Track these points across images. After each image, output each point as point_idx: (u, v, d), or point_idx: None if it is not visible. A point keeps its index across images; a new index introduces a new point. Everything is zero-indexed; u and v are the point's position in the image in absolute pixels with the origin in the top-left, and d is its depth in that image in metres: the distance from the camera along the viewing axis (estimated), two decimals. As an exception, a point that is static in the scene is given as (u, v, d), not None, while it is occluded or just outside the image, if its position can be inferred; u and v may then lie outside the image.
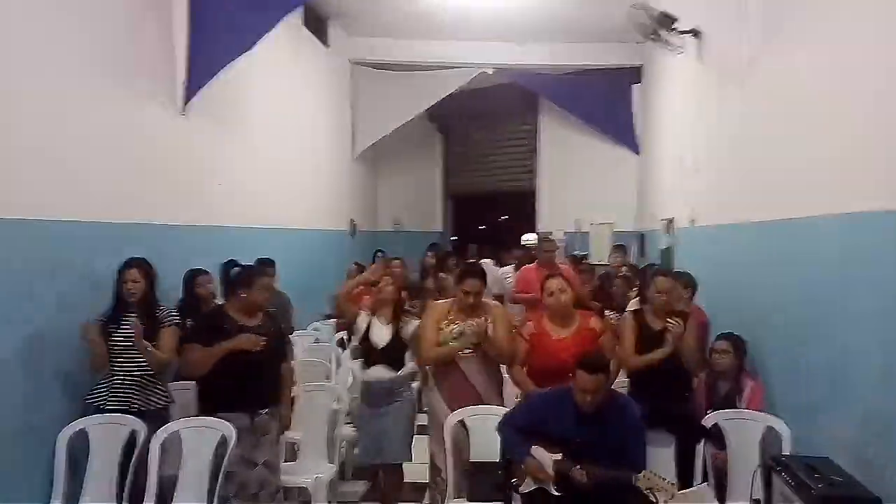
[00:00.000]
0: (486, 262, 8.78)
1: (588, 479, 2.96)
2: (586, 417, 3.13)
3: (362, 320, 4.10)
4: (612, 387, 3.34)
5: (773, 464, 2.66)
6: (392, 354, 3.98)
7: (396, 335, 4.00)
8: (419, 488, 4.40)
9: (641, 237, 9.46)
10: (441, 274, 8.59)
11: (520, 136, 11.46)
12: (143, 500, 3.32)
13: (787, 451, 3.36)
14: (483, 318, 3.65)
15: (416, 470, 4.29)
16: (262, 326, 3.66)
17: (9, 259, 3.25)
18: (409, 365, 4.03)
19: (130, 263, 3.68)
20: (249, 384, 3.54)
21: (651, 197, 8.96)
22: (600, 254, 9.81)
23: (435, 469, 3.83)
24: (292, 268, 6.49)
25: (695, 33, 5.96)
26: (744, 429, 3.52)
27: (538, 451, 3.16)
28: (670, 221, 7.24)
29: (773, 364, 3.87)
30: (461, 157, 12.15)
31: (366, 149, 10.02)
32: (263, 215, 6.42)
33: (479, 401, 3.68)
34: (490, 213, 12.33)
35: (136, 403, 3.57)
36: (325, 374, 5.14)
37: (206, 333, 3.54)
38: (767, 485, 2.73)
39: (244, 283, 3.69)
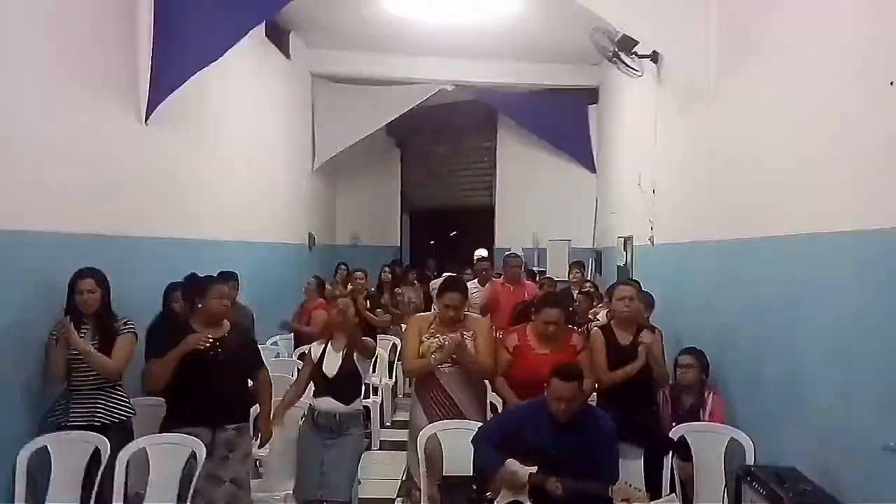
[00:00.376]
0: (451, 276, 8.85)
1: (563, 492, 3.01)
2: (561, 429, 3.18)
3: (315, 349, 3.83)
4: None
5: (742, 474, 2.75)
6: (342, 385, 3.67)
7: (348, 364, 3.69)
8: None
9: (598, 254, 9.65)
10: (397, 289, 8.66)
11: (479, 152, 11.58)
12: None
13: (750, 462, 3.47)
14: (460, 333, 3.68)
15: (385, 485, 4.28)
16: (228, 338, 3.60)
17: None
18: (358, 400, 3.76)
19: (84, 273, 3.55)
20: (211, 399, 3.48)
21: (608, 215, 9.16)
22: (557, 270, 9.96)
23: (412, 482, 3.82)
24: (251, 281, 6.39)
25: (653, 58, 6.19)
26: (708, 441, 3.63)
27: (512, 464, 3.18)
28: (628, 239, 7.42)
29: (734, 378, 4.01)
30: (419, 171, 12.19)
31: (324, 162, 9.98)
32: (223, 227, 6.32)
33: (459, 414, 3.70)
34: (448, 229, 12.38)
35: (98, 416, 3.46)
36: (286, 388, 5.07)
37: (168, 347, 3.47)
38: (737, 495, 2.81)
39: (199, 293, 3.65)
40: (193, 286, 3.75)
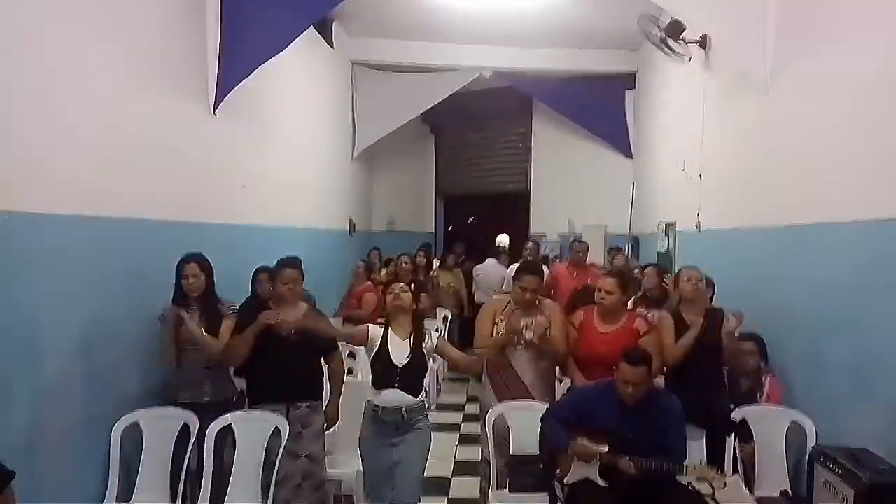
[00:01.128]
0: (491, 261, 8.98)
1: (636, 470, 3.13)
2: (630, 410, 3.29)
3: (375, 331, 3.55)
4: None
5: (815, 454, 2.84)
6: (412, 375, 3.47)
7: (417, 352, 3.49)
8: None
9: (635, 240, 9.69)
10: (432, 273, 8.80)
11: (513, 138, 11.63)
12: (197, 492, 3.41)
13: (811, 444, 3.57)
14: (542, 317, 3.80)
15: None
16: (303, 319, 3.75)
17: (61, 252, 3.29)
18: (423, 391, 3.58)
19: (188, 259, 3.77)
20: (285, 377, 3.65)
21: (647, 200, 9.19)
22: (593, 255, 10.01)
23: (484, 460, 3.96)
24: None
25: (702, 43, 6.20)
26: (770, 423, 3.73)
27: (582, 442, 3.31)
28: (670, 225, 7.47)
29: (793, 362, 4.08)
30: (453, 157, 12.28)
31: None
32: (275, 213, 6.48)
33: (528, 395, 3.83)
34: (482, 215, 12.45)
35: (206, 395, 3.67)
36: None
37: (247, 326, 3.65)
38: (809, 475, 2.90)
39: (273, 277, 3.89)
40: (272, 271, 3.95)
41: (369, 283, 7.14)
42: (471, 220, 12.54)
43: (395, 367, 3.45)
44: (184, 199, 4.49)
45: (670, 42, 6.32)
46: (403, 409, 3.44)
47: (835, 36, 3.80)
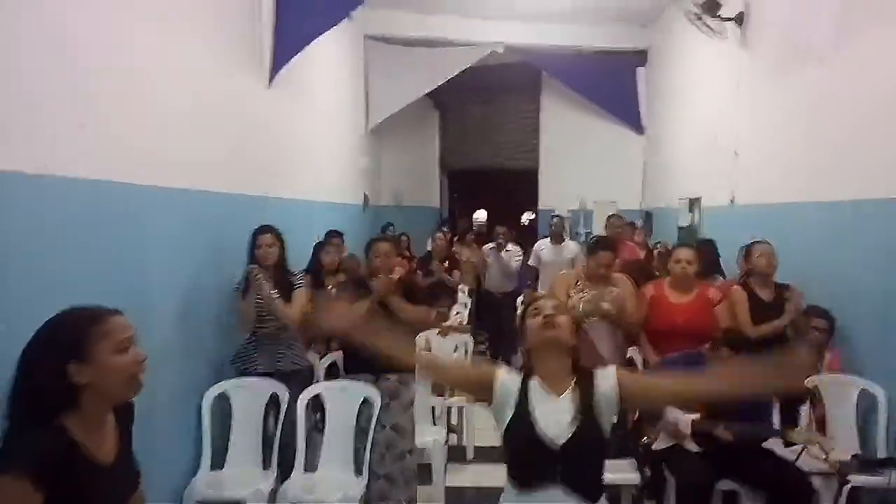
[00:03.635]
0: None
1: (733, 437, 3.22)
2: (721, 380, 3.37)
3: (505, 380, 2.12)
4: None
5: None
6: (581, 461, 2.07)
7: (587, 417, 2.05)
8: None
9: (647, 215, 9.81)
10: (454, 248, 8.82)
11: (522, 113, 11.63)
12: (290, 462, 3.43)
13: (882, 412, 3.71)
14: (618, 290, 3.86)
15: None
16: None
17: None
18: None
19: (264, 229, 3.77)
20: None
21: (662, 176, 9.29)
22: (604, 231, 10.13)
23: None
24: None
25: (738, 19, 6.26)
26: (841, 391, 3.85)
27: (673, 411, 3.39)
28: (694, 200, 7.57)
29: (854, 336, 4.18)
30: (459, 133, 12.24)
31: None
32: (300, 186, 6.41)
33: (605, 366, 3.88)
34: (489, 191, 12.50)
35: (281, 364, 3.68)
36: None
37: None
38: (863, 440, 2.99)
39: (366, 251, 3.90)
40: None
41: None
42: (454, 195, 12.52)
43: (550, 447, 2.00)
44: (247, 172, 4.44)
45: (707, 19, 6.37)
46: None
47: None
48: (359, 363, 3.68)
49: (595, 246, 4.02)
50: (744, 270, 4.29)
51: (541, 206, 11.16)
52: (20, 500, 1.43)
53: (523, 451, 2.02)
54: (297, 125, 5.77)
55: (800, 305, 4.00)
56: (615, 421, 2.10)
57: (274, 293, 3.66)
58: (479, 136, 12.07)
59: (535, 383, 2.06)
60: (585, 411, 2.00)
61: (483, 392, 2.09)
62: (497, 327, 7.64)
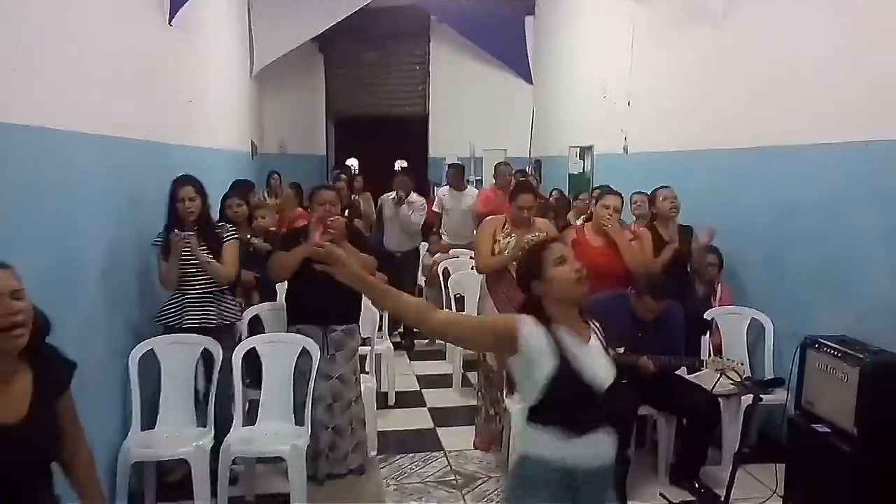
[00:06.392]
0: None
1: (655, 368, 3.51)
2: (640, 321, 3.66)
3: (531, 330, 2.06)
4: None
5: (808, 342, 3.34)
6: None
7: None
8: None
9: (537, 163, 10.14)
10: (355, 197, 8.70)
11: (411, 59, 11.49)
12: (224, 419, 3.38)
13: (769, 339, 4.17)
14: (535, 233, 3.99)
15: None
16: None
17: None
18: None
19: (184, 181, 3.56)
20: (321, 301, 3.57)
21: (552, 125, 9.59)
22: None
23: (488, 366, 4.15)
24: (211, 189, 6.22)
25: (631, -26, 6.51)
26: (734, 321, 4.29)
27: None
28: (586, 149, 7.92)
29: (747, 271, 4.63)
30: (345, 78, 11.90)
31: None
32: (196, 133, 6.06)
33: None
34: (377, 138, 12.33)
35: (211, 319, 3.54)
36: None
37: (291, 247, 3.58)
38: (801, 361, 3.39)
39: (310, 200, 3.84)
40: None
41: (300, 209, 6.94)
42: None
43: (597, 392, 2.03)
44: (156, 118, 4.15)
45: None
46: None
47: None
48: (304, 314, 3.63)
49: (515, 190, 4.14)
50: (648, 214, 4.62)
51: (430, 153, 11.20)
52: None
53: (574, 398, 2.00)
54: (194, 68, 5.43)
55: (702, 242, 4.38)
56: None
57: (206, 253, 3.50)
58: (367, 83, 11.82)
59: (563, 332, 2.04)
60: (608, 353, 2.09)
61: (504, 345, 2.05)
62: None
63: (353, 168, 11.65)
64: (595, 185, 7.09)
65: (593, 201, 4.73)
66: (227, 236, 3.68)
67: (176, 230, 3.48)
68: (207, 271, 3.53)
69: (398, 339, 6.29)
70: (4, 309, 1.50)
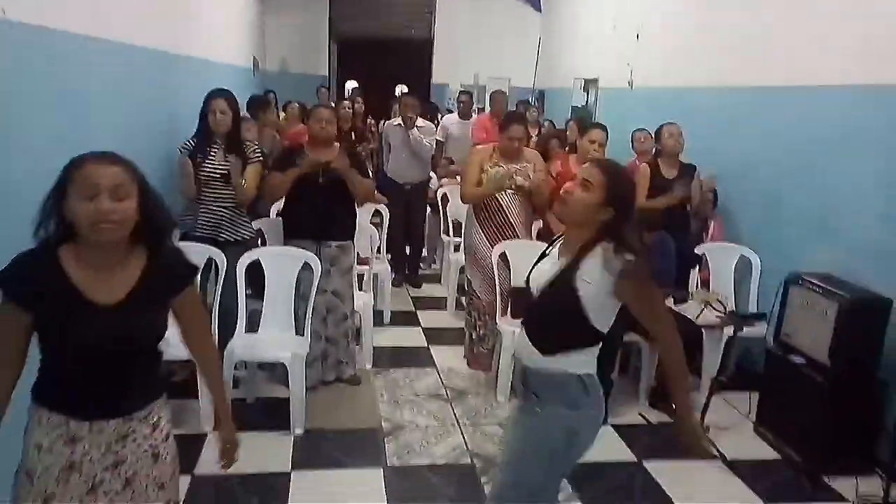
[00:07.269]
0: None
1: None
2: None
3: None
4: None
5: (791, 278, 3.47)
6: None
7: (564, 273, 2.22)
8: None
9: (540, 94, 10.06)
10: (369, 119, 8.61)
11: (416, -17, 11.22)
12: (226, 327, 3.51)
13: (756, 275, 4.30)
14: (523, 164, 4.04)
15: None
16: (336, 160, 3.71)
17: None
18: None
19: (217, 94, 3.61)
20: (316, 216, 3.71)
21: (557, 55, 9.47)
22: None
23: (473, 293, 4.30)
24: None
25: None
26: (723, 256, 4.41)
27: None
28: (590, 81, 7.87)
29: (742, 208, 4.71)
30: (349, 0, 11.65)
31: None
32: (198, 45, 5.99)
33: (515, 235, 4.14)
34: (380, 61, 12.13)
35: (224, 233, 3.65)
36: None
37: (286, 166, 3.64)
38: (784, 295, 3.53)
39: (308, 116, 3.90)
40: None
41: (301, 125, 6.94)
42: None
43: (532, 294, 2.14)
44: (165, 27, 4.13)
45: None
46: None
47: None
48: (300, 230, 3.73)
49: (506, 120, 4.16)
50: (651, 151, 4.67)
51: (434, 79, 11.08)
52: (6, 316, 1.58)
53: (521, 289, 2.19)
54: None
55: (703, 186, 4.44)
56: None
57: (224, 162, 3.57)
58: (372, 4, 11.57)
59: (559, 244, 2.14)
60: (563, 277, 2.02)
61: None
62: (404, 232, 6.00)
63: (348, 90, 11.41)
64: (601, 119, 7.11)
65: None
66: (254, 159, 3.73)
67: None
68: (237, 192, 3.62)
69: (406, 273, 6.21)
70: (99, 206, 1.54)
